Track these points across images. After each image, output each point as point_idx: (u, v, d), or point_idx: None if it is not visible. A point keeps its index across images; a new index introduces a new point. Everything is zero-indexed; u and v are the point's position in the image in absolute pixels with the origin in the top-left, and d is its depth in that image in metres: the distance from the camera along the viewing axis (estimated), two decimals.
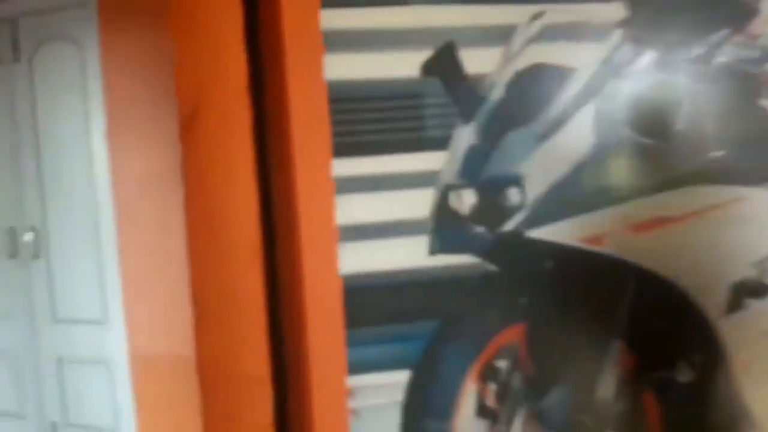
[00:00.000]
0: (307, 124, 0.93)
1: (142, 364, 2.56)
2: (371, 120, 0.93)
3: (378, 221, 0.95)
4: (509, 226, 0.92)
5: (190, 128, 1.04)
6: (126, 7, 2.29)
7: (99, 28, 2.66)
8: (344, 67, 0.93)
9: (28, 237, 2.98)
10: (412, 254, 0.92)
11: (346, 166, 0.96)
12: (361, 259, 0.95)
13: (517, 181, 0.93)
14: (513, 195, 0.93)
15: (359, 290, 0.93)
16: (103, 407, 2.88)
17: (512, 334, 0.92)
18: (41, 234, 2.96)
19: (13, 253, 3.04)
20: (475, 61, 0.91)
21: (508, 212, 0.93)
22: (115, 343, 2.74)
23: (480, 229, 0.91)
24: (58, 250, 2.93)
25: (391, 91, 0.91)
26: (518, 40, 0.92)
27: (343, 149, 0.94)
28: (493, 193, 0.93)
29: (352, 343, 0.94)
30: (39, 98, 2.92)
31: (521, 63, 0.93)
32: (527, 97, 0.94)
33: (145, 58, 2.03)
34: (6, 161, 3.02)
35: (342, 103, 0.93)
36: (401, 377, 0.89)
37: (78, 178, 2.84)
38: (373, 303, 0.95)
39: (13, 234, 3.03)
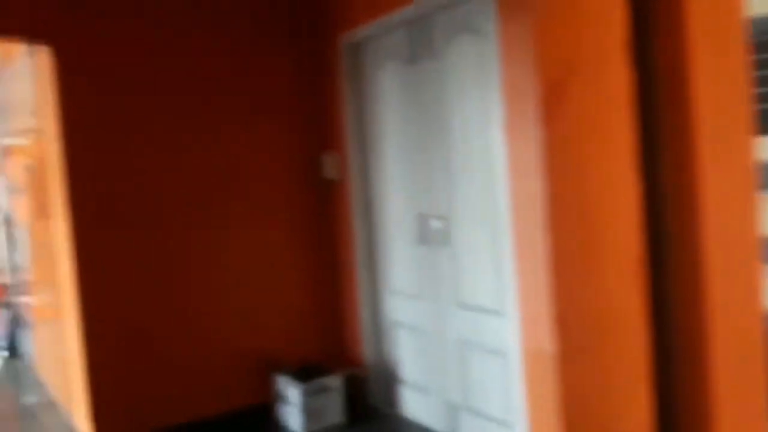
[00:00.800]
0: (716, 85, 0.63)
1: (532, 360, 2.45)
2: None
3: None
4: None
5: (553, 103, 0.84)
6: None
7: (496, 16, 2.63)
8: None
9: (436, 224, 3.16)
10: None
11: None
12: None
13: None
14: None
15: None
16: (498, 397, 2.88)
17: None
18: (447, 222, 3.10)
19: (424, 238, 3.27)
20: None
21: None
22: (510, 334, 2.70)
23: None
24: (463, 238, 3.03)
25: None
26: None
27: None
28: None
29: None
30: (447, 92, 3.05)
31: None
32: None
33: (530, 43, 1.85)
34: (420, 153, 3.26)
35: None
36: None
37: (479, 169, 2.88)
38: None
39: (424, 221, 3.25)
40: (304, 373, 3.48)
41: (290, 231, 3.80)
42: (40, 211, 3.90)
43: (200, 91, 3.51)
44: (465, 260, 3.03)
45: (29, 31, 3.10)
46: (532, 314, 2.56)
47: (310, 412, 3.36)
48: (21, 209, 4.92)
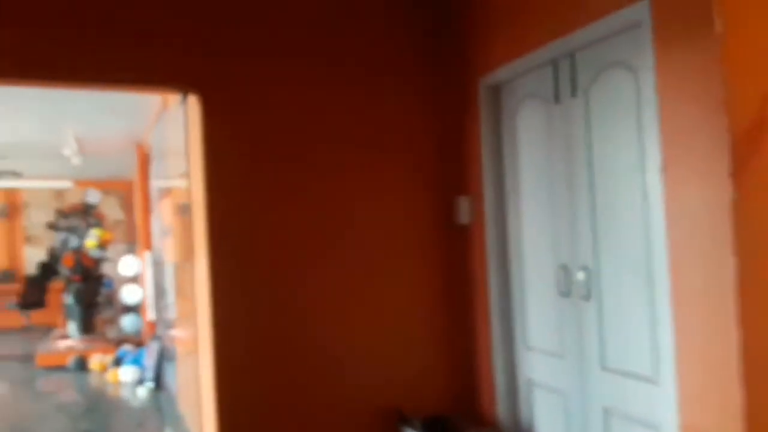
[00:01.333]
0: None
1: None
2: None
3: None
4: None
5: (747, 146, 0.65)
6: (682, 23, 1.92)
7: (654, 49, 2.38)
8: None
9: (580, 275, 2.90)
10: None
11: None
12: None
13: None
14: None
15: None
16: None
17: None
18: (593, 273, 2.83)
19: (567, 291, 3.00)
20: None
21: None
22: (665, 406, 2.37)
23: None
24: (609, 292, 2.75)
25: None
26: None
27: None
28: None
29: None
30: (594, 132, 2.81)
31: None
32: None
33: (701, 77, 1.61)
34: (563, 198, 3.02)
35: None
36: None
37: (631, 216, 2.60)
38: None
39: (567, 272, 3.00)
40: (432, 427, 3.29)
41: (421, 277, 3.68)
42: (186, 251, 4.08)
43: (338, 137, 3.52)
44: (612, 317, 2.73)
45: (180, 81, 3.28)
46: (695, 387, 2.21)
47: None
48: (169, 249, 5.22)
